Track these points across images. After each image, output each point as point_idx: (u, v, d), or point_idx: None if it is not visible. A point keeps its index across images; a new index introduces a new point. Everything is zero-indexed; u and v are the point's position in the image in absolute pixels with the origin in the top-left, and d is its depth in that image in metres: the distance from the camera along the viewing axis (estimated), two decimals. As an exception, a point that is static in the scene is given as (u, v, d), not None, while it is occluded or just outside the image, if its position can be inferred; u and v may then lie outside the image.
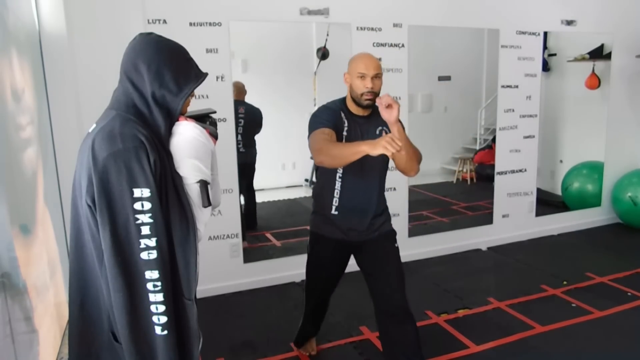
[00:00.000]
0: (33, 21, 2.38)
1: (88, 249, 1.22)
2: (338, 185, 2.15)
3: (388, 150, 1.70)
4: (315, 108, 4.22)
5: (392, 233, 2.26)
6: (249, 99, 3.89)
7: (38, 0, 2.40)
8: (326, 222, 2.22)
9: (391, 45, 3.73)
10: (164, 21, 3.07)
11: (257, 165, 4.03)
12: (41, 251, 2.04)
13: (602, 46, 4.84)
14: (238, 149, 3.50)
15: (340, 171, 2.13)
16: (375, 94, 2.05)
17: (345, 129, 2.11)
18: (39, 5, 2.42)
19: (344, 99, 2.16)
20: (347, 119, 2.12)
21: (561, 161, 5.28)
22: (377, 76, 2.04)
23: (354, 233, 2.19)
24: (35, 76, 2.28)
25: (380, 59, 2.09)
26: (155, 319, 1.17)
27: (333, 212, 2.18)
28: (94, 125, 1.26)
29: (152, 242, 1.16)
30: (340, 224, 2.19)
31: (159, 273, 1.17)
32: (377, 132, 2.12)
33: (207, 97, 3.11)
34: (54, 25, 2.49)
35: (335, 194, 2.16)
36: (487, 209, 4.46)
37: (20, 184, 1.85)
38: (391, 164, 2.16)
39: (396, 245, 2.24)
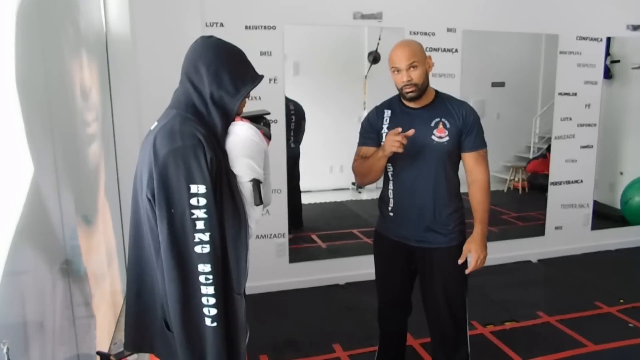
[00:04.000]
0: (101, 24, 2.52)
1: (146, 240, 1.28)
2: (391, 184, 2.06)
3: (394, 148, 1.79)
4: (365, 112, 4.26)
5: (456, 249, 2.02)
6: (300, 100, 3.95)
7: (106, 4, 2.55)
8: (384, 221, 2.14)
9: (444, 50, 3.68)
10: (221, 24, 3.16)
11: (305, 167, 4.08)
12: (100, 241, 2.16)
13: (670, 53, 4.59)
14: (289, 144, 3.57)
15: (390, 169, 2.02)
16: (417, 85, 1.91)
17: (386, 126, 2.02)
18: (107, 9, 2.56)
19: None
20: (397, 113, 2.02)
21: (621, 173, 5.03)
22: (413, 65, 1.89)
23: (409, 239, 2.06)
24: (101, 76, 2.41)
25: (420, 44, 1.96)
26: (205, 310, 1.21)
27: (389, 213, 2.09)
28: (156, 123, 1.32)
29: (205, 237, 1.20)
30: (395, 225, 2.08)
31: (211, 267, 1.21)
32: (433, 123, 1.96)
33: (260, 98, 3.17)
34: (120, 28, 2.63)
35: (389, 194, 2.05)
36: (539, 219, 4.31)
37: (84, 176, 1.96)
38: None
39: (459, 263, 2.01)
